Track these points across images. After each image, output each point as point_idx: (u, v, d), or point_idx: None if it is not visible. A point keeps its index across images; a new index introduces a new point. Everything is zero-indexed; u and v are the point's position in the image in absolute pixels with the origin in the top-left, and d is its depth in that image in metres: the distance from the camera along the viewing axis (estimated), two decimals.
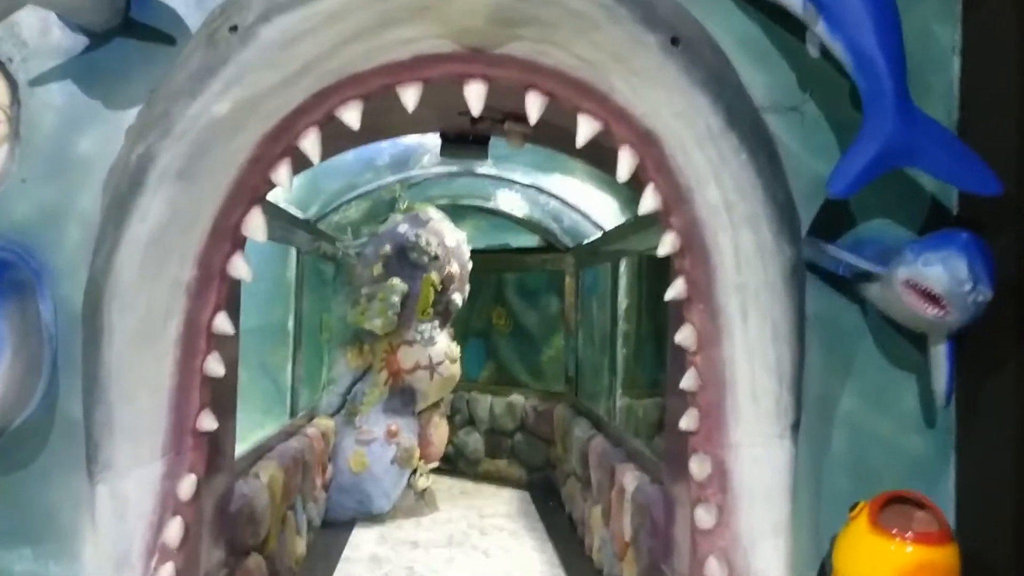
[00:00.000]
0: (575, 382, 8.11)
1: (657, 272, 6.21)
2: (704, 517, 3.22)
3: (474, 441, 8.94)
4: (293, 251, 6.20)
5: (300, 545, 5.55)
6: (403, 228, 7.11)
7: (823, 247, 3.04)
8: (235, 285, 3.94)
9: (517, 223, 8.46)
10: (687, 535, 3.36)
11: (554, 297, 8.86)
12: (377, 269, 7.06)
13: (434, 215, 7.25)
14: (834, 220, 3.06)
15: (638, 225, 5.52)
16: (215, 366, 3.08)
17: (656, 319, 6.13)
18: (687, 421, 3.29)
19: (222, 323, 3.08)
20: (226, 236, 2.96)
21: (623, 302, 6.37)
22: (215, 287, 3.02)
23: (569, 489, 7.25)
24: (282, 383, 6.13)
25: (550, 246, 8.59)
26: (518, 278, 9.31)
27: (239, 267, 3.07)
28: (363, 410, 7.03)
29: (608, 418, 6.38)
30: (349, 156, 5.17)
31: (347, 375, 7.24)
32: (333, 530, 6.55)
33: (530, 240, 8.94)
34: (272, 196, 5.11)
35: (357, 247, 7.35)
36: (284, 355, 6.14)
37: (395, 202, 7.40)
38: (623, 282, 6.38)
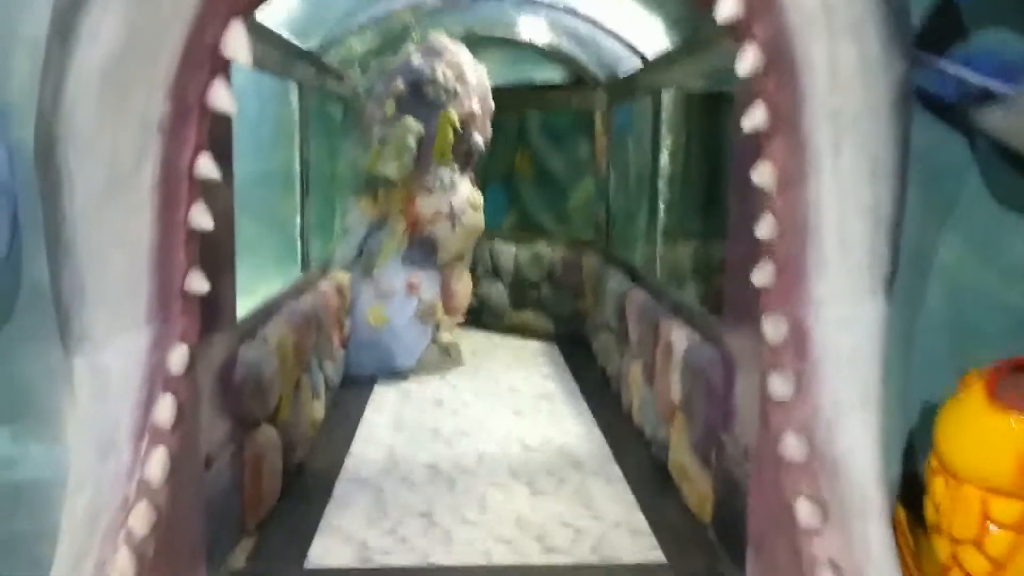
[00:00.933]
0: (606, 230, 7.55)
1: (708, 105, 5.50)
2: (780, 386, 2.75)
3: (498, 293, 8.50)
4: (294, 87, 5.50)
5: (317, 409, 5.20)
6: (417, 61, 6.35)
7: (929, 62, 2.43)
8: (222, 123, 3.36)
9: (542, 55, 7.64)
10: (752, 404, 3.02)
11: (582, 138, 8.15)
12: (390, 108, 6.37)
13: (451, 45, 6.46)
14: (939, 29, 2.54)
15: (688, 49, 4.77)
16: (202, 217, 2.56)
17: (706, 158, 5.48)
18: (761, 275, 2.76)
19: (206, 166, 2.54)
20: (202, 60, 2.41)
21: (667, 140, 5.68)
22: (194, 123, 2.51)
23: (602, 343, 6.85)
24: (290, 235, 5.60)
25: (579, 81, 7.79)
26: (543, 117, 8.57)
27: (221, 97, 2.51)
28: (380, 262, 6.54)
29: (648, 269, 5.84)
30: None
31: (362, 225, 6.70)
32: (354, 388, 6.21)
33: (556, 75, 8.12)
34: (266, 21, 4.43)
35: (367, 83, 6.62)
36: (291, 204, 5.58)
37: (407, 32, 6.60)
38: (666, 117, 5.67)
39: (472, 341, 7.77)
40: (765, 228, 2.63)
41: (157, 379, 2.48)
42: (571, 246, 8.04)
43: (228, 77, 2.52)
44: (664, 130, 5.70)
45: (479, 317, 8.53)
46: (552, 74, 8.13)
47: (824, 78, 2.51)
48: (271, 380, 3.99)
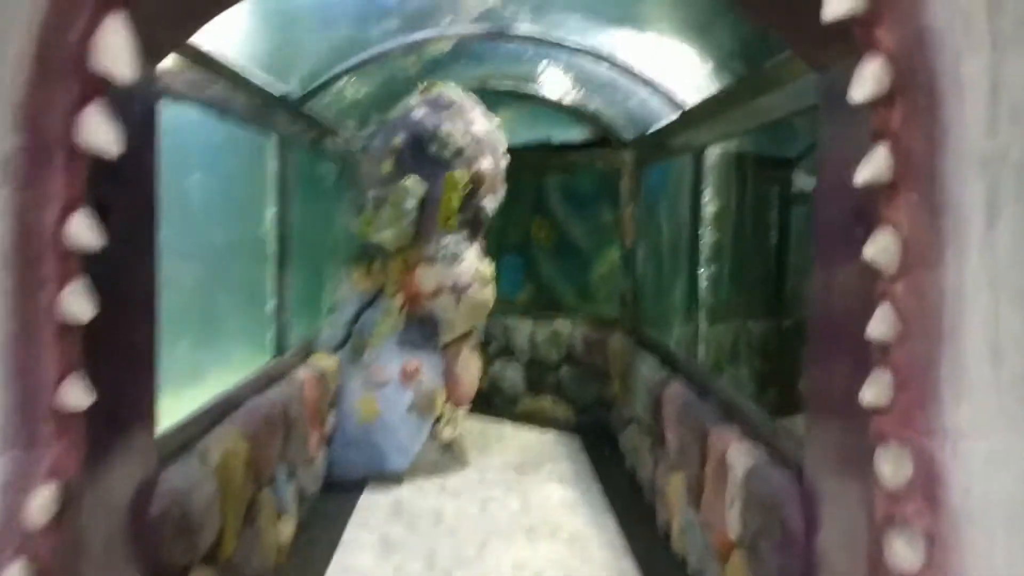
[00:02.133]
0: (633, 306, 6.62)
1: (763, 161, 4.61)
2: (902, 552, 2.02)
3: (512, 375, 7.54)
4: (273, 140, 4.67)
5: (284, 529, 4.21)
6: (420, 113, 5.53)
7: None
8: (136, 171, 2.50)
9: (563, 112, 6.82)
10: (849, 561, 2.30)
11: (607, 203, 7.30)
12: (387, 166, 5.53)
13: (459, 97, 5.64)
14: None
15: (743, 91, 3.90)
16: (78, 303, 1.88)
17: (763, 221, 4.57)
18: (873, 391, 2.19)
19: (80, 229, 1.93)
20: (65, 73, 1.78)
21: (711, 203, 4.78)
22: (60, 168, 1.79)
23: (630, 439, 5.84)
24: (261, 313, 4.70)
25: (604, 140, 6.96)
26: (563, 180, 7.73)
27: (97, 130, 1.89)
28: (373, 344, 5.62)
29: (687, 354, 4.87)
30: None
31: (352, 300, 5.80)
32: (337, 496, 5.21)
33: (578, 134, 7.29)
34: (228, 53, 3.60)
35: (363, 139, 5.81)
36: (264, 277, 4.69)
37: (410, 81, 5.82)
38: (713, 177, 4.78)
39: (480, 431, 6.78)
40: (882, 324, 2.02)
41: (8, 537, 1.75)
42: (594, 324, 7.11)
43: (110, 101, 1.75)
44: (708, 192, 4.79)
45: (490, 402, 7.57)
46: (573, 133, 7.32)
47: (979, 109, 1.83)
48: (206, 510, 3.03)
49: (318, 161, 5.87)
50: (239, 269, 4.53)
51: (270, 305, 4.72)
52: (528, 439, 6.78)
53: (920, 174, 1.84)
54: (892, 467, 1.91)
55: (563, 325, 7.24)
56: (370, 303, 5.80)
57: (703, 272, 4.73)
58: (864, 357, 2.00)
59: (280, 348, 4.80)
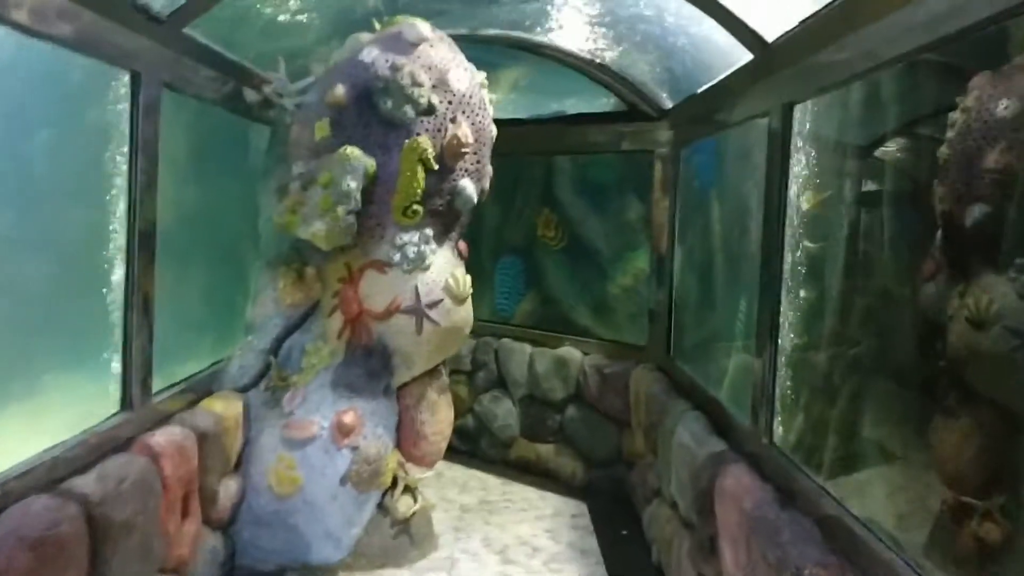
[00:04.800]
0: (666, 332, 4.93)
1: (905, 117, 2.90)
2: None
3: (505, 412, 5.86)
4: (121, 77, 3.01)
5: None
6: (372, 54, 3.86)
7: None
8: None
9: (579, 71, 5.12)
10: None
11: (633, 193, 5.61)
12: (322, 129, 3.87)
13: (428, 33, 3.96)
14: None
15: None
16: None
17: (903, 225, 2.85)
18: None
19: None
20: None
21: (802, 195, 3.07)
22: None
23: (659, 523, 4.16)
24: (97, 341, 3.05)
25: (632, 111, 5.26)
26: (577, 163, 6.03)
27: None
28: (297, 383, 3.96)
29: (759, 425, 3.16)
30: None
31: (275, 319, 4.14)
32: None
33: (598, 102, 5.58)
34: None
35: (298, 92, 4.14)
36: (99, 284, 3.05)
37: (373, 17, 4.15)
38: (804, 154, 3.06)
39: (458, 490, 5.12)
40: None
41: None
42: (612, 351, 5.43)
43: None
44: (794, 176, 3.07)
45: (476, 444, 5.93)
46: (592, 101, 5.61)
47: None
48: None
49: (237, 122, 4.23)
50: (53, 272, 2.87)
51: (113, 326, 3.07)
52: (522, 502, 5.09)
53: None
54: None
55: (571, 352, 5.55)
56: (299, 324, 4.14)
57: (790, 296, 3.00)
58: None
59: (143, 391, 3.15)
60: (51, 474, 2.58)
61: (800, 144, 3.02)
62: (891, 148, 2.91)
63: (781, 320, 3.09)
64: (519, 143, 5.24)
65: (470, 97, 3.97)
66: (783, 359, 3.12)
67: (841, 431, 2.92)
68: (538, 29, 4.88)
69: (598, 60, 4.96)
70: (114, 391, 3.09)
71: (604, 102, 5.50)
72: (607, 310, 5.83)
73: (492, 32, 4.95)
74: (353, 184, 3.72)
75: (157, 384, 3.31)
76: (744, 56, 3.45)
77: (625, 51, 4.73)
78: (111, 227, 3.05)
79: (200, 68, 3.51)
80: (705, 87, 4.14)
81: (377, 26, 4.09)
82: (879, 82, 2.59)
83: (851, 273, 2.98)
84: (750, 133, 3.63)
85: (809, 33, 2.78)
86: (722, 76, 3.80)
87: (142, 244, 3.13)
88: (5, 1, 2.30)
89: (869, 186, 2.94)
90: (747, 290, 3.69)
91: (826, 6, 2.62)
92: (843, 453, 2.89)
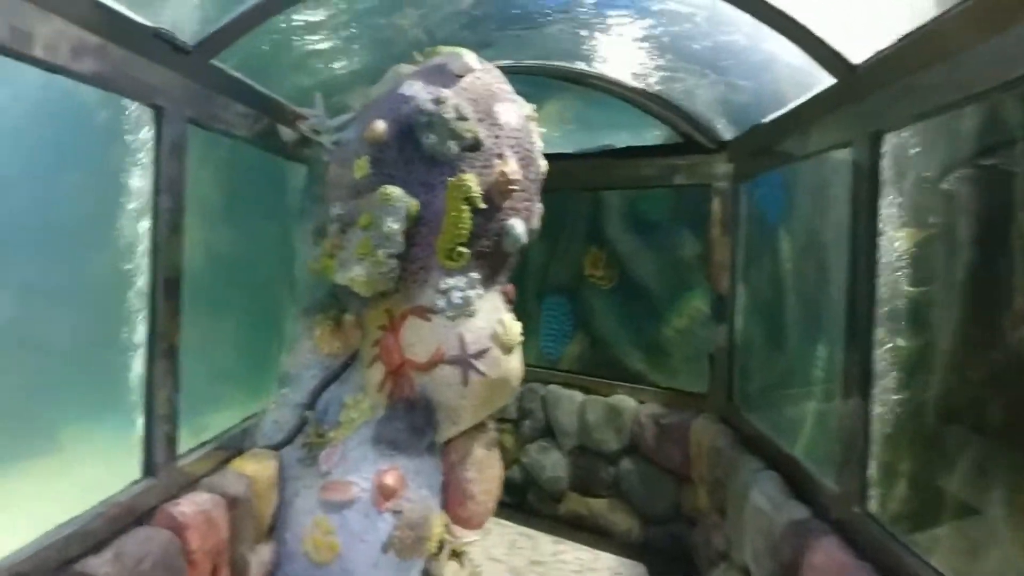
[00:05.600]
0: (730, 378, 4.58)
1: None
2: None
3: (553, 464, 5.51)
4: (142, 113, 2.79)
5: None
6: (413, 88, 3.61)
7: None
8: None
9: (629, 101, 4.85)
10: None
11: (688, 229, 5.30)
12: (362, 168, 3.62)
13: (475, 64, 3.71)
14: None
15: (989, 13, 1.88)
16: None
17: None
18: None
19: None
20: None
21: (900, 229, 2.73)
22: None
23: None
24: (118, 400, 2.80)
25: (688, 143, 4.96)
26: (626, 198, 5.74)
27: None
28: (335, 438, 3.67)
29: (849, 491, 2.79)
30: None
31: (312, 370, 3.87)
32: None
33: (650, 135, 5.30)
34: None
35: (335, 129, 3.92)
36: (116, 335, 2.80)
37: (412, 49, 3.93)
38: (900, 183, 2.72)
39: (506, 549, 4.77)
40: None
41: None
42: (670, 400, 5.08)
43: None
44: (887, 207, 2.74)
45: (523, 497, 5.59)
46: (642, 133, 5.33)
47: None
48: None
49: (271, 160, 4.01)
50: (73, 320, 2.64)
51: (134, 384, 2.81)
52: (573, 566, 4.72)
53: None
54: None
55: (625, 400, 5.21)
56: (337, 375, 3.87)
57: (888, 345, 2.65)
58: None
59: (167, 453, 2.89)
60: (64, 554, 2.33)
61: (893, 178, 2.68)
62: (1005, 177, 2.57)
63: (875, 369, 2.74)
64: (564, 178, 4.96)
65: (518, 131, 3.70)
66: (878, 412, 2.77)
67: (957, 502, 2.55)
68: (586, 58, 4.63)
69: (651, 90, 4.69)
70: (136, 450, 2.83)
71: (656, 134, 5.22)
72: (661, 353, 5.49)
73: (537, 63, 4.72)
74: (395, 226, 3.45)
75: (184, 442, 3.05)
76: (818, 81, 3.15)
77: (680, 79, 4.45)
78: (130, 270, 2.81)
79: (229, 103, 3.29)
80: (772, 116, 3.83)
81: (419, 58, 3.86)
82: (997, 104, 2.26)
83: (963, 318, 2.62)
84: (826, 165, 3.30)
85: (908, 53, 2.47)
86: (794, 104, 3.49)
87: (167, 291, 2.89)
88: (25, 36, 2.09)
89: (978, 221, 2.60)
90: (827, 334, 3.35)
91: (930, 21, 2.31)
92: (960, 528, 2.51)
